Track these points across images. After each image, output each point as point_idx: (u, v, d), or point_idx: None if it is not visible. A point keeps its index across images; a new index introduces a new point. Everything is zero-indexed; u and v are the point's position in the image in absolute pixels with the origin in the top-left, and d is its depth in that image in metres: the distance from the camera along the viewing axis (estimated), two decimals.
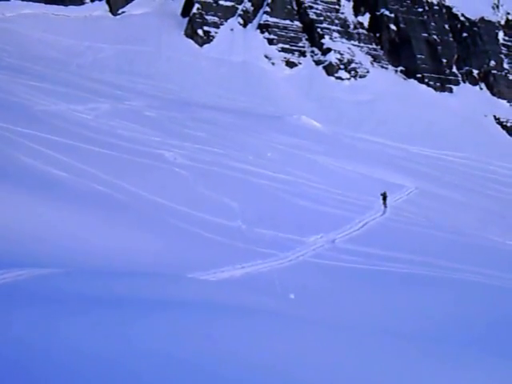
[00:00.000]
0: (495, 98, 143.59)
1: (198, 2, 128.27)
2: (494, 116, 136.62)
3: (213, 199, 35.24)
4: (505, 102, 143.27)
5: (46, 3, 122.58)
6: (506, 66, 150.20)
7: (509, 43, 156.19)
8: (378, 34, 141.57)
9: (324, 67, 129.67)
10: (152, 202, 31.60)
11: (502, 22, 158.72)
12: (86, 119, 52.53)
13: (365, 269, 28.04)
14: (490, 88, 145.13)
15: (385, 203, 45.19)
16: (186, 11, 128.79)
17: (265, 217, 33.75)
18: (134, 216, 28.75)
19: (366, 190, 50.82)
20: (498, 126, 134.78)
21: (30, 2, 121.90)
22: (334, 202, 42.27)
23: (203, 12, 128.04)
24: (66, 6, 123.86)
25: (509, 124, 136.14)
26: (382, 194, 45.68)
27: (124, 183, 33.49)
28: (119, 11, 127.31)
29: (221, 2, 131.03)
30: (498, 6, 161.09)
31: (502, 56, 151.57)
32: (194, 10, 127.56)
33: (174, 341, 10.39)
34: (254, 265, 25.14)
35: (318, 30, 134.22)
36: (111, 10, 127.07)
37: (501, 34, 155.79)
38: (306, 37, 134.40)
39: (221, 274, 22.98)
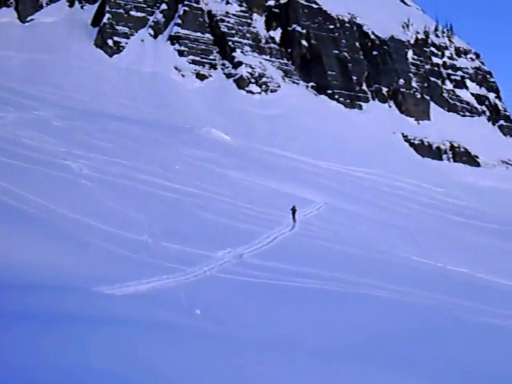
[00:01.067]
0: (403, 115, 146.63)
1: (109, 12, 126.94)
2: (402, 133, 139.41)
3: (119, 212, 34.48)
4: (412, 119, 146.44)
5: None
6: (414, 84, 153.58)
7: (417, 62, 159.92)
8: (289, 50, 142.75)
9: (235, 80, 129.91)
10: (56, 214, 30.67)
11: (412, 42, 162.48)
12: None
13: (272, 284, 27.74)
14: (398, 106, 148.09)
15: (294, 218, 45.14)
16: (96, 21, 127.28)
17: (172, 231, 33.21)
18: (36, 228, 27.82)
19: (276, 204, 50.73)
20: (406, 144, 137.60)
21: None
22: (242, 217, 41.96)
23: (114, 22, 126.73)
24: None
25: (416, 141, 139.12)
26: (291, 209, 45.65)
27: (27, 193, 32.46)
28: (28, 19, 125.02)
29: (132, 13, 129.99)
30: (407, 26, 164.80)
31: (411, 75, 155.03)
32: (105, 20, 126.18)
33: (80, 355, 10.00)
34: (161, 279, 24.55)
35: (230, 43, 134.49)
36: (19, 17, 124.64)
37: (410, 53, 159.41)
38: (218, 50, 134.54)
39: (126, 289, 22.31)
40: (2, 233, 24.54)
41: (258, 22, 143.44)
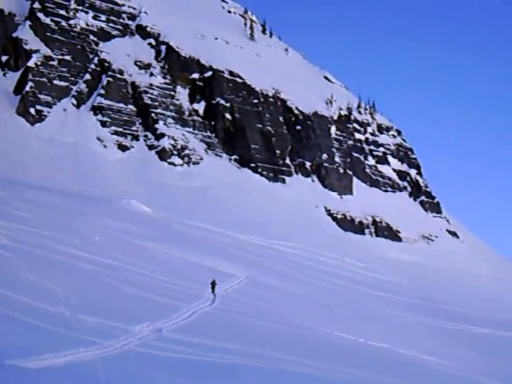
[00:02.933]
0: (326, 189, 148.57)
1: (32, 81, 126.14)
2: (325, 207, 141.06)
3: (35, 283, 33.71)
4: (335, 194, 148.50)
5: None
6: (337, 159, 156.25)
7: (340, 138, 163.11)
8: (213, 122, 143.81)
9: (157, 152, 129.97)
10: None
11: (335, 117, 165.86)
12: None
13: (192, 359, 27.40)
14: (321, 180, 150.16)
15: (214, 292, 44.90)
16: (18, 89, 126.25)
17: (90, 303, 32.57)
18: None
19: (195, 277, 50.47)
20: (329, 218, 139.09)
21: None
22: (161, 290, 41.52)
23: (36, 90, 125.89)
24: None
25: (339, 216, 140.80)
26: (211, 283, 45.43)
27: None
28: None
29: (55, 82, 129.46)
30: (331, 102, 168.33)
31: (334, 150, 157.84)
32: (27, 88, 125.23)
33: None
34: (77, 353, 24.00)
35: (153, 114, 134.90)
36: None
37: (333, 129, 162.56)
38: (140, 121, 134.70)
39: (41, 362, 21.71)
40: None
41: (182, 94, 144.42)
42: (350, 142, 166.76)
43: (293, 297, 58.72)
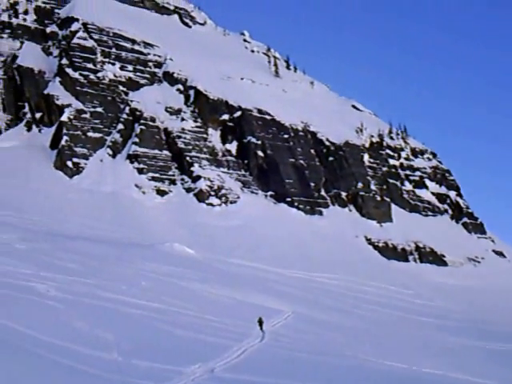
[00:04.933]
0: (364, 218, 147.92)
1: (66, 135, 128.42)
2: (365, 236, 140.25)
3: (87, 331, 34.36)
4: (374, 222, 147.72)
5: None
6: (373, 187, 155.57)
7: (374, 165, 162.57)
8: (246, 161, 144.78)
9: (194, 194, 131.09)
10: (24, 336, 30.53)
11: (367, 145, 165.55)
12: None
13: None
14: (358, 209, 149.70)
15: (262, 329, 45.19)
16: (54, 143, 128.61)
17: (141, 347, 33.09)
18: (6, 350, 27.72)
19: (242, 315, 50.78)
20: (370, 247, 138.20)
21: None
22: (210, 330, 41.91)
23: (72, 144, 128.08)
24: None
25: (380, 244, 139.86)
26: (258, 320, 45.74)
27: None
28: None
29: (89, 134, 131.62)
30: (361, 130, 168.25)
31: (369, 178, 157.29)
32: (63, 143, 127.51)
33: None
34: None
35: (187, 158, 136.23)
36: None
37: (366, 157, 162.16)
38: (176, 165, 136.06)
39: None
40: None
41: (214, 136, 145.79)
42: (385, 169, 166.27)
43: (340, 328, 58.78)
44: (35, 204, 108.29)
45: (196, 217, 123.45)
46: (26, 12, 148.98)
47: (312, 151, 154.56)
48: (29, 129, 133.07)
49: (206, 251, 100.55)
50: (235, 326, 45.71)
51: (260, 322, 45.71)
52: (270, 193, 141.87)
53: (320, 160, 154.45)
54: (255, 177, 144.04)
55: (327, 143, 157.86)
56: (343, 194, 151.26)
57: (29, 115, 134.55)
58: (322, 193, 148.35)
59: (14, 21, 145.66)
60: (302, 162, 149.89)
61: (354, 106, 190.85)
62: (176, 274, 67.95)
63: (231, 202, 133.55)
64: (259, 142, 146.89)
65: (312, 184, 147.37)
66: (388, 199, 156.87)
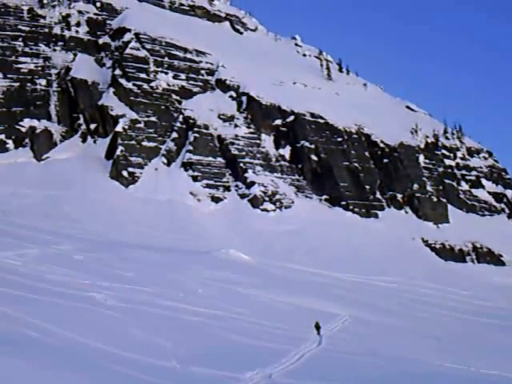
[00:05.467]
0: (421, 220, 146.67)
1: (121, 145, 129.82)
2: (422, 238, 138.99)
3: (145, 339, 34.65)
4: (431, 223, 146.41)
5: None
6: (429, 188, 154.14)
7: (430, 166, 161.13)
8: (300, 165, 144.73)
9: (249, 200, 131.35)
10: (83, 345, 30.93)
11: (422, 146, 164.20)
12: (14, 265, 51.74)
13: None
14: (415, 211, 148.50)
15: (319, 333, 45.08)
16: (109, 154, 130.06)
17: (199, 355, 33.23)
18: (62, 360, 28.06)
19: (299, 320, 50.74)
20: (427, 248, 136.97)
21: None
22: (267, 335, 41.95)
23: (127, 154, 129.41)
24: None
25: (437, 245, 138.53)
26: (315, 324, 45.64)
27: (54, 327, 32.81)
28: (43, 157, 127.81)
29: (144, 143, 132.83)
30: (416, 131, 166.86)
31: (425, 179, 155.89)
32: (118, 152, 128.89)
33: None
34: None
35: (241, 164, 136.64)
36: (35, 156, 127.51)
37: (421, 158, 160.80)
38: (230, 172, 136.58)
39: None
40: (28, 368, 24.80)
41: (267, 141, 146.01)
42: (441, 169, 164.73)
43: (398, 331, 58.37)
44: (92, 214, 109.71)
45: (251, 223, 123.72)
46: (78, 24, 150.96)
47: (366, 154, 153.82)
48: (84, 140, 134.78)
49: (262, 257, 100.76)
50: (292, 331, 45.68)
51: (317, 327, 45.61)
52: (324, 197, 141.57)
53: (375, 162, 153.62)
54: (309, 181, 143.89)
55: (382, 145, 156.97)
56: (399, 196, 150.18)
57: (84, 126, 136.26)
58: (378, 195, 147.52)
59: (67, 33, 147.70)
60: (356, 164, 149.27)
61: (408, 107, 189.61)
62: (232, 280, 68.19)
63: (286, 207, 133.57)
64: (313, 146, 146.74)
65: (367, 187, 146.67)
66: (444, 200, 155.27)
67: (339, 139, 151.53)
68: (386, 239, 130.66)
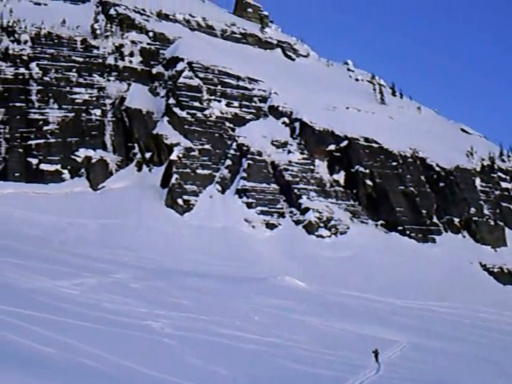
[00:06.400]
0: (479, 244, 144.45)
1: (176, 173, 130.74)
2: (480, 262, 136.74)
3: (202, 368, 34.70)
4: (489, 247, 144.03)
5: (26, 182, 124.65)
6: (486, 211, 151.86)
7: (486, 189, 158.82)
8: (354, 191, 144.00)
9: (304, 226, 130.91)
10: (140, 374, 31.05)
11: (478, 169, 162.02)
12: (71, 294, 52.32)
13: None
14: (472, 235, 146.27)
15: (377, 360, 44.64)
16: (165, 182, 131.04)
17: (256, 382, 33.16)
18: None
19: (357, 347, 50.35)
20: (485, 273, 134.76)
21: (11, 182, 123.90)
22: (325, 363, 41.68)
23: (182, 182, 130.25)
24: (47, 183, 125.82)
25: (495, 270, 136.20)
26: (373, 351, 45.21)
27: (111, 356, 33.01)
28: (99, 186, 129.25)
29: (198, 171, 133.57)
30: (471, 154, 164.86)
31: (482, 202, 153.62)
32: (173, 181, 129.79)
33: None
34: None
35: (295, 190, 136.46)
36: (91, 186, 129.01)
37: (478, 181, 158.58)
38: (284, 198, 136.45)
39: None
40: None
41: (321, 167, 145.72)
42: (497, 192, 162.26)
43: (457, 357, 57.49)
44: (148, 242, 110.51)
45: (306, 249, 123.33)
46: (131, 54, 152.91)
47: (422, 178, 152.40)
48: (139, 169, 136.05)
49: (318, 283, 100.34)
50: (350, 359, 45.31)
51: (375, 354, 45.17)
52: (380, 222, 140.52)
53: (430, 186, 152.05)
54: (364, 206, 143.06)
55: (437, 169, 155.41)
56: (456, 220, 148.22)
57: (139, 155, 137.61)
58: (434, 220, 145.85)
59: (121, 63, 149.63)
60: (412, 189, 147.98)
61: (462, 130, 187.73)
62: (288, 307, 67.99)
63: (341, 233, 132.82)
64: (367, 171, 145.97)
65: (423, 211, 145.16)
66: (501, 223, 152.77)
67: (394, 163, 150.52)
68: (443, 264, 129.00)
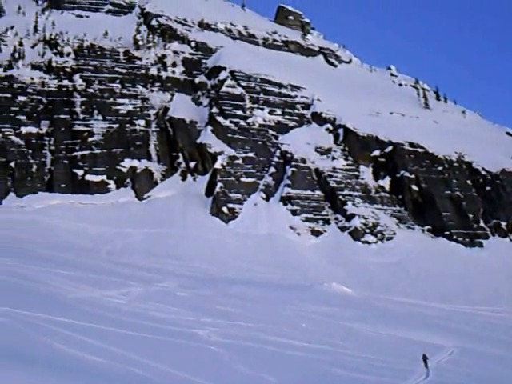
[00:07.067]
0: None
1: (221, 181, 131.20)
2: None
3: (249, 375, 34.63)
4: None
5: (72, 193, 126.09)
6: None
7: None
8: (400, 196, 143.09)
9: (350, 233, 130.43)
10: (188, 382, 31.08)
11: None
12: (119, 304, 52.60)
13: None
14: None
15: (426, 365, 44.25)
16: (209, 191, 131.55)
17: None
18: None
19: (405, 353, 49.98)
20: None
21: (58, 193, 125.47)
22: (372, 369, 41.39)
23: (226, 190, 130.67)
24: (93, 194, 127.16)
25: None
26: (422, 357, 44.84)
27: (159, 364, 33.09)
28: (145, 196, 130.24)
29: (242, 179, 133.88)
30: None
31: None
32: (218, 189, 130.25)
33: None
34: None
35: (340, 197, 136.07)
36: (137, 196, 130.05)
37: None
38: (329, 205, 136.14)
39: None
40: None
41: (366, 172, 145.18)
42: None
43: (506, 361, 56.76)
44: (194, 251, 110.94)
45: (352, 255, 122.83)
46: (174, 64, 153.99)
47: (468, 182, 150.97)
48: (184, 178, 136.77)
49: (364, 289, 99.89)
50: (398, 364, 44.98)
51: (424, 359, 44.78)
52: (426, 227, 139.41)
53: (477, 190, 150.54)
54: (410, 211, 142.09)
55: (483, 172, 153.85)
56: (503, 224, 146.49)
57: (183, 165, 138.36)
58: (481, 224, 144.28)
59: (163, 74, 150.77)
60: (458, 193, 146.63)
61: (508, 133, 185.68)
62: (335, 313, 67.72)
63: (387, 239, 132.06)
64: (413, 176, 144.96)
65: (470, 215, 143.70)
66: None
67: (440, 168, 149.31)
68: (491, 268, 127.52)
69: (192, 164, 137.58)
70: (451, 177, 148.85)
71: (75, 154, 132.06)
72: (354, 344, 50.35)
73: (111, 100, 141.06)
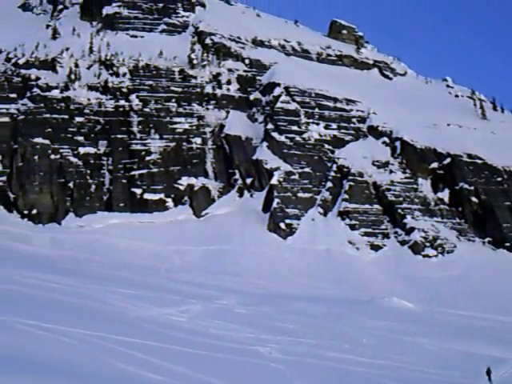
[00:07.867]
0: None
1: (278, 197, 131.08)
2: None
3: None
4: None
5: (131, 212, 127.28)
6: None
7: None
8: (460, 208, 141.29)
9: (409, 246, 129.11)
10: None
11: None
12: (178, 321, 52.77)
13: None
14: None
15: (490, 379, 43.49)
16: (266, 207, 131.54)
17: None
18: None
19: (468, 367, 49.18)
20: None
21: (116, 213, 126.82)
22: None
23: (283, 206, 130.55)
24: (151, 212, 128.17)
25: None
26: (486, 371, 44.07)
27: (221, 382, 32.99)
28: (202, 213, 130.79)
29: (299, 195, 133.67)
30: None
31: None
32: (275, 205, 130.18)
33: None
34: None
35: (399, 210, 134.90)
36: (195, 213, 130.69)
37: None
38: (388, 218, 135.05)
39: None
40: None
41: (424, 185, 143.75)
42: None
43: None
44: (252, 267, 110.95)
45: (412, 269, 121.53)
46: (228, 82, 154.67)
47: None
48: (241, 194, 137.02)
49: (425, 304, 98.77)
50: (462, 378, 44.30)
51: (488, 373, 43.99)
52: (487, 239, 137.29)
53: None
54: (471, 224, 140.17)
55: None
56: None
57: (240, 181, 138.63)
58: None
59: (218, 92, 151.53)
60: None
61: None
62: (397, 328, 67.00)
63: (448, 252, 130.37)
64: (472, 188, 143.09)
65: None
66: None
67: (499, 179, 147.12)
68: None
69: (248, 180, 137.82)
70: (511, 187, 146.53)
71: (133, 173, 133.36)
72: (417, 359, 49.72)
73: (167, 119, 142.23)
